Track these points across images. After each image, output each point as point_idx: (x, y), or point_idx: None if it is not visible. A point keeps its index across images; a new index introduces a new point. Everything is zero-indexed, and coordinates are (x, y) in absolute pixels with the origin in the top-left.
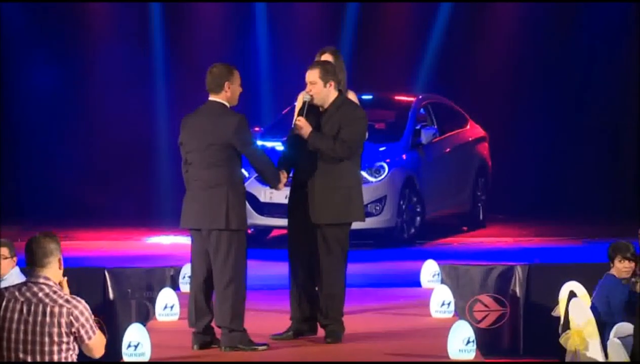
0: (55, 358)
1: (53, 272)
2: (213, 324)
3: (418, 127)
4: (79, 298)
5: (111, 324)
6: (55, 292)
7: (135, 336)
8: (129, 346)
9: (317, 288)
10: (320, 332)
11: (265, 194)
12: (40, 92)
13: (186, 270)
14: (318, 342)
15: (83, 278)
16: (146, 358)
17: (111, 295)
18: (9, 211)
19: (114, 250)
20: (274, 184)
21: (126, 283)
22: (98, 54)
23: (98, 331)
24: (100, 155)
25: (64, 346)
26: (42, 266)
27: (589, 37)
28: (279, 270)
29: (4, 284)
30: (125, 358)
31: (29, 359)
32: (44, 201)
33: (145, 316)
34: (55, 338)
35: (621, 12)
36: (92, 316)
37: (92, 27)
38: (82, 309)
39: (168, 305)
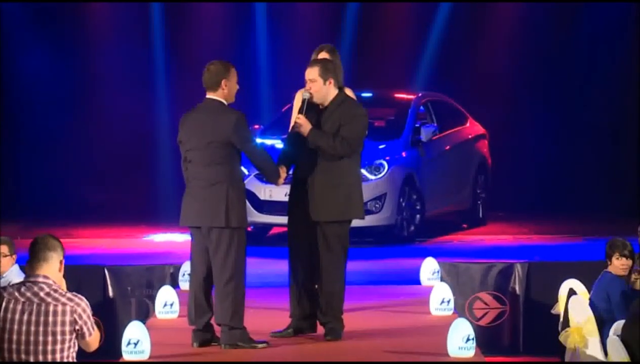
0: (58, 356)
1: (53, 272)
2: (213, 321)
3: (418, 125)
4: (80, 296)
5: (111, 322)
6: (55, 290)
7: (135, 333)
8: (129, 343)
9: (316, 286)
10: (320, 329)
11: (265, 192)
12: (40, 90)
13: (186, 268)
14: (318, 340)
15: (83, 275)
16: (146, 356)
17: (111, 293)
18: (8, 210)
19: (113, 248)
20: (273, 180)
21: (126, 281)
22: (99, 54)
23: (95, 328)
24: (101, 154)
25: (66, 345)
26: (44, 260)
27: (589, 37)
28: (279, 267)
29: (3, 281)
30: (125, 356)
31: (32, 360)
32: (44, 200)
33: (145, 313)
34: (59, 337)
35: (621, 12)
36: (92, 315)
37: (93, 26)
38: (84, 307)
39: (168, 303)
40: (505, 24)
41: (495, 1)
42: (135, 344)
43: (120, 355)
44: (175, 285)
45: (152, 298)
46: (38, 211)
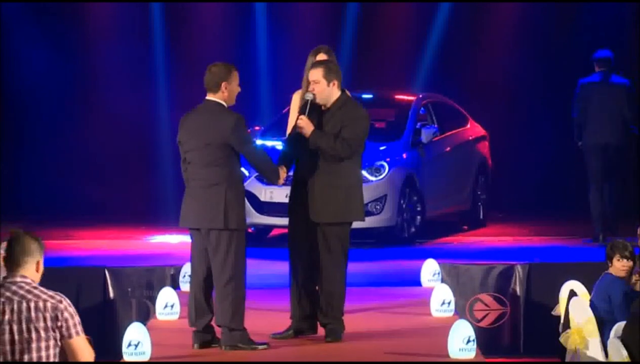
0: (44, 354)
1: (30, 274)
2: (213, 323)
3: (418, 126)
4: (62, 294)
5: (111, 323)
6: (35, 288)
7: (136, 335)
8: (129, 345)
9: (317, 287)
10: (321, 331)
11: (266, 193)
12: (41, 90)
13: (186, 269)
14: (318, 341)
15: (83, 277)
16: (146, 357)
17: (111, 294)
18: (9, 210)
19: (114, 249)
20: (273, 180)
21: (126, 282)
22: (99, 53)
23: (83, 334)
24: (101, 154)
25: (51, 343)
26: (19, 265)
27: (589, 37)
28: (279, 268)
29: None
30: (126, 357)
31: (17, 358)
32: (44, 200)
33: (145, 315)
34: (42, 334)
35: (621, 12)
36: (77, 316)
37: (94, 26)
38: (66, 305)
39: (168, 304)
40: (505, 25)
41: (495, 1)
42: (136, 345)
43: (121, 356)
44: (175, 286)
45: (153, 300)
46: (38, 212)
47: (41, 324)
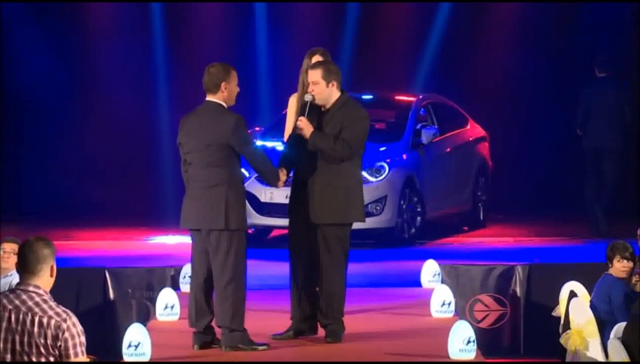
0: None
1: (44, 281)
2: (213, 324)
3: (418, 127)
4: (70, 313)
5: (112, 324)
6: (45, 301)
7: (136, 336)
8: (130, 346)
9: (317, 288)
10: (321, 332)
11: (266, 194)
12: (40, 91)
13: (187, 270)
14: (318, 342)
15: (83, 278)
16: (146, 358)
17: (111, 295)
18: (9, 211)
19: (114, 250)
20: (273, 183)
21: (126, 283)
22: (99, 54)
23: (83, 357)
24: (101, 154)
25: (51, 359)
26: (33, 273)
27: (589, 36)
28: (279, 269)
29: (10, 278)
30: (126, 358)
31: None
32: (44, 201)
33: (145, 316)
34: (42, 350)
35: (621, 12)
36: (82, 337)
37: (94, 26)
38: (69, 325)
39: (168, 305)
40: (505, 25)
41: (495, 1)
42: (136, 346)
43: (121, 357)
44: (176, 287)
45: (153, 300)
46: (38, 212)
47: (42, 341)
